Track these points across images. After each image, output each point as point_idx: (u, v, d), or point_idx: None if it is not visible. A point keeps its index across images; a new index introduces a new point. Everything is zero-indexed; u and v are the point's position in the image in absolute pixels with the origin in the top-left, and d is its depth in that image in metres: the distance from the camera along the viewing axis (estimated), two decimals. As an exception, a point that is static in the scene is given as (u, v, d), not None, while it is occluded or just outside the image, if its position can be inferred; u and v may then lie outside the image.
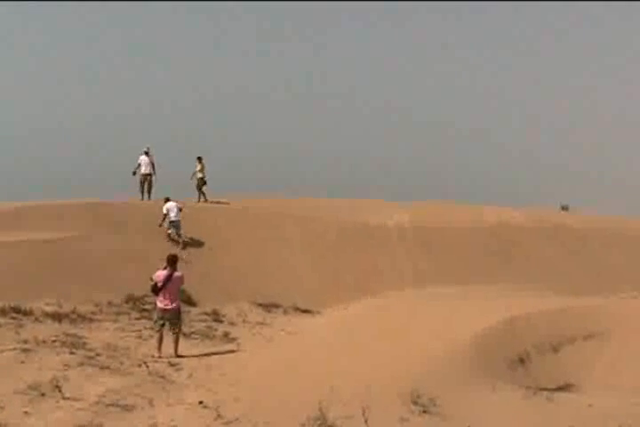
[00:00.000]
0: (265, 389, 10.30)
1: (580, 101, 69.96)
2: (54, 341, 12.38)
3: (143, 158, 24.50)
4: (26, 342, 12.02)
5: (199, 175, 25.47)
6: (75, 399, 9.08)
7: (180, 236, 21.23)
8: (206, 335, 14.64)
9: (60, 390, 9.23)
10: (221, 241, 22.20)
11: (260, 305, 18.62)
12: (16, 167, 44.28)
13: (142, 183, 24.59)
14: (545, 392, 10.80)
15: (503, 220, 27.10)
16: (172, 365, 11.69)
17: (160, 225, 21.50)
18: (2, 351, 11.26)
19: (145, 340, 13.43)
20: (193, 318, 16.11)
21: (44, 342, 12.18)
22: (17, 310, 14.18)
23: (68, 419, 8.39)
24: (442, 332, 13.78)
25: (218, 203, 25.53)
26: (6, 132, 54.09)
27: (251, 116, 65.11)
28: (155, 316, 12.95)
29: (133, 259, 19.07)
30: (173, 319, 12.61)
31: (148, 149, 24.68)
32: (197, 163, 25.49)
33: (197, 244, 21.76)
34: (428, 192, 45.19)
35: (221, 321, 16.49)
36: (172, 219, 21.27)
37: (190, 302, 17.41)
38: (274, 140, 61.67)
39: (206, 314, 16.89)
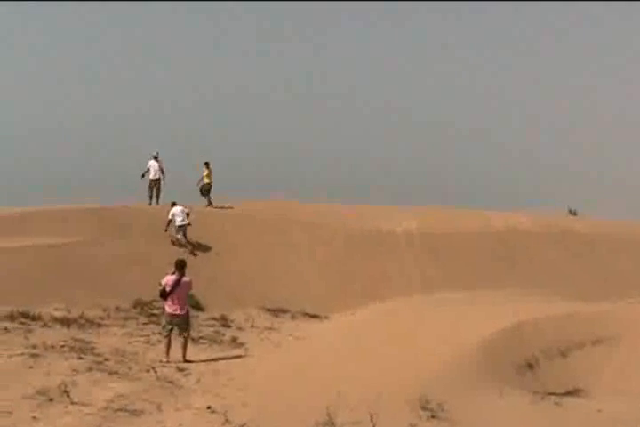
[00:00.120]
0: (273, 394, 10.30)
1: (580, 101, 69.75)
2: (63, 346, 12.40)
3: (152, 164, 24.52)
4: (34, 347, 12.05)
5: (206, 180, 25.45)
6: (83, 404, 9.08)
7: (180, 240, 21.24)
8: (214, 340, 14.66)
9: (68, 395, 9.23)
10: (228, 246, 22.22)
11: (268, 310, 18.63)
12: (16, 167, 44.34)
13: (151, 188, 24.61)
14: (553, 397, 10.77)
15: (510, 225, 27.01)
16: (180, 370, 11.70)
17: (166, 230, 21.53)
18: (10, 356, 11.29)
19: (153, 345, 13.46)
20: (201, 322, 16.13)
21: (52, 347, 12.20)
22: (25, 316, 14.23)
23: (77, 424, 8.40)
24: (449, 337, 13.74)
25: (222, 208, 25.52)
26: (6, 132, 54.22)
27: (251, 116, 65.11)
28: (163, 321, 12.98)
29: (139, 263, 19.13)
30: (182, 325, 12.62)
31: (158, 153, 24.71)
32: (205, 168, 25.46)
33: (204, 248, 21.79)
34: (428, 192, 45.06)
35: (229, 326, 16.51)
36: (178, 224, 21.30)
37: (198, 307, 17.42)
38: (274, 141, 61.68)
39: (214, 319, 16.91)
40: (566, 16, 78.07)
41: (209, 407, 9.33)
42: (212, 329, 15.80)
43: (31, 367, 10.80)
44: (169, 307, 12.57)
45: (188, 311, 12.87)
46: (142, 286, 16.60)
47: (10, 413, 8.58)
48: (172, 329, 12.57)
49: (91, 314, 15.40)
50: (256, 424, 8.63)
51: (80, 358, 11.62)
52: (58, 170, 44.00)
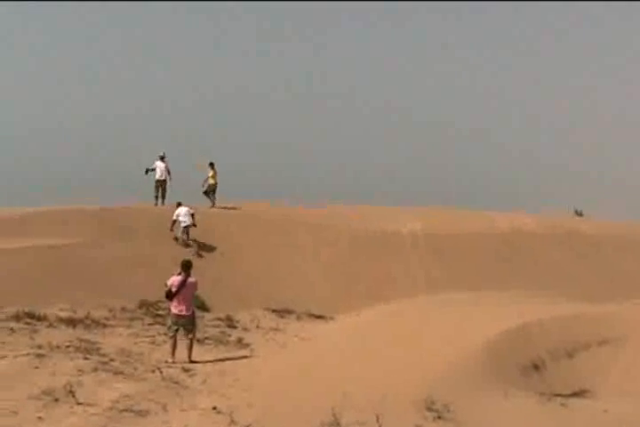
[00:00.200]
0: (278, 394, 10.30)
1: (580, 101, 69.59)
2: (68, 346, 12.42)
3: (159, 164, 24.58)
4: (40, 347, 12.06)
5: (211, 181, 25.46)
6: (88, 405, 9.08)
7: (184, 239, 21.26)
8: (220, 341, 14.66)
9: (73, 396, 9.23)
10: (234, 246, 22.25)
11: (274, 311, 18.64)
12: (16, 167, 44.40)
13: (157, 189, 24.69)
14: (559, 398, 10.76)
15: (515, 226, 26.97)
16: (185, 370, 11.70)
17: (171, 229, 21.59)
18: (16, 357, 11.31)
19: (158, 345, 13.47)
20: (207, 323, 16.14)
21: (57, 347, 12.22)
22: (31, 316, 14.26)
23: (82, 424, 8.40)
24: (454, 338, 13.72)
25: (225, 208, 25.49)
26: (6, 132, 54.29)
27: (251, 116, 65.10)
28: (169, 321, 12.99)
29: (143, 265, 19.16)
30: (188, 325, 12.63)
31: (164, 154, 24.76)
32: (210, 169, 25.48)
33: (210, 249, 21.81)
34: (429, 192, 44.97)
35: (235, 327, 16.52)
36: (183, 224, 21.34)
37: (204, 308, 17.46)
38: (274, 141, 61.71)
39: (220, 320, 16.92)
40: (566, 16, 77.94)
41: (214, 408, 9.32)
42: (217, 330, 15.81)
43: (37, 368, 10.81)
44: (175, 308, 12.59)
45: (193, 312, 12.88)
46: (146, 287, 16.62)
47: (15, 413, 8.58)
48: (177, 330, 12.59)
49: (96, 314, 15.42)
50: (261, 425, 8.63)
51: (86, 358, 11.63)
52: (58, 170, 44.08)
